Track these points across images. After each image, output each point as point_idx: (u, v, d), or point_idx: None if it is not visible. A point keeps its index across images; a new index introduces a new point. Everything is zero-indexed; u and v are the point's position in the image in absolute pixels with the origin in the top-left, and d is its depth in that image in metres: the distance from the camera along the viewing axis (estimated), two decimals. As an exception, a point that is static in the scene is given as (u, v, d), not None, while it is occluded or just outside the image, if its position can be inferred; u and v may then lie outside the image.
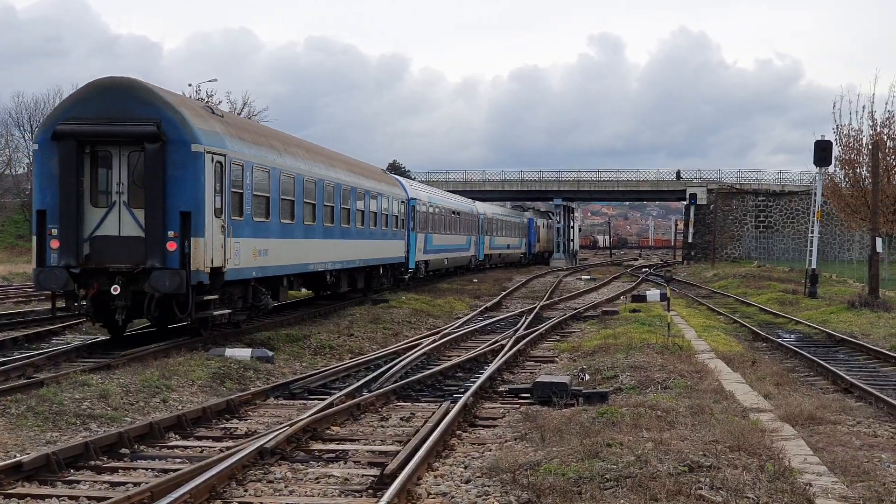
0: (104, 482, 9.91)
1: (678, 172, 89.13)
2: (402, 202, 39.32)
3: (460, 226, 53.14)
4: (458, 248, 53.01)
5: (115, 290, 18.12)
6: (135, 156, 18.65)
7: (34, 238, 18.77)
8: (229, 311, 20.90)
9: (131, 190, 18.66)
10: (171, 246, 18.27)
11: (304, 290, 31.01)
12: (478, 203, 63.08)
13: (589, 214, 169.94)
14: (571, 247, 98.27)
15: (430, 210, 45.23)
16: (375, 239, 34.06)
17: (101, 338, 20.56)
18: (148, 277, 18.07)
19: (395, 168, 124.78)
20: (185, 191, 18.42)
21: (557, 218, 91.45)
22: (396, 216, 37.68)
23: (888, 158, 48.12)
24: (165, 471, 10.19)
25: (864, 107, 49.71)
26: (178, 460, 10.89)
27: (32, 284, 23.14)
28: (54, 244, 18.45)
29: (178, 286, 18.08)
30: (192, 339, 20.05)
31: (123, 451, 11.14)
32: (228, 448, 10.99)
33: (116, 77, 19.29)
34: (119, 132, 18.45)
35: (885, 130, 48.93)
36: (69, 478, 10.01)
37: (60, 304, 19.97)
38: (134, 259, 18.32)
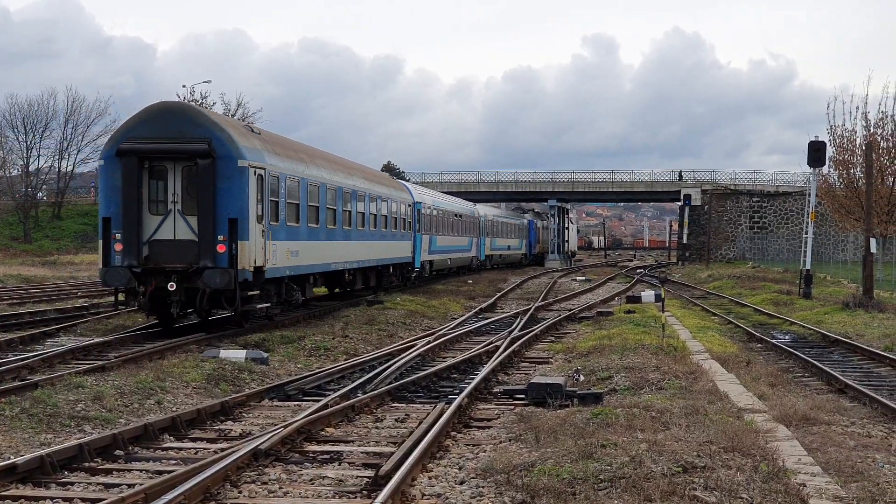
0: (98, 484, 9.90)
1: (680, 173, 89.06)
2: (409, 206, 42.09)
3: (462, 228, 56.23)
4: (460, 248, 55.90)
5: (172, 286, 20.80)
6: (188, 170, 21.29)
7: (100, 242, 21.48)
8: (268, 304, 23.50)
9: (185, 199, 21.33)
10: (221, 248, 20.99)
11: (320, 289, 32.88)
12: (479, 206, 65.70)
13: (584, 215, 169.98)
14: (566, 247, 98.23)
15: (434, 213, 47.69)
16: (386, 240, 37.11)
17: (96, 339, 20.70)
18: (200, 275, 20.72)
19: (389, 169, 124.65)
20: (232, 200, 21.14)
21: (553, 219, 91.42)
22: (404, 219, 40.53)
23: (882, 159, 48.25)
24: (160, 472, 10.18)
25: (857, 107, 49.94)
26: (173, 462, 10.89)
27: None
28: (118, 247, 21.08)
29: (227, 283, 20.78)
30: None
31: (118, 452, 11.13)
32: (223, 449, 10.99)
33: (171, 101, 22.70)
34: (175, 149, 21.15)
35: (879, 131, 49.10)
36: (63, 479, 10.00)
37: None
38: (188, 259, 21.01)
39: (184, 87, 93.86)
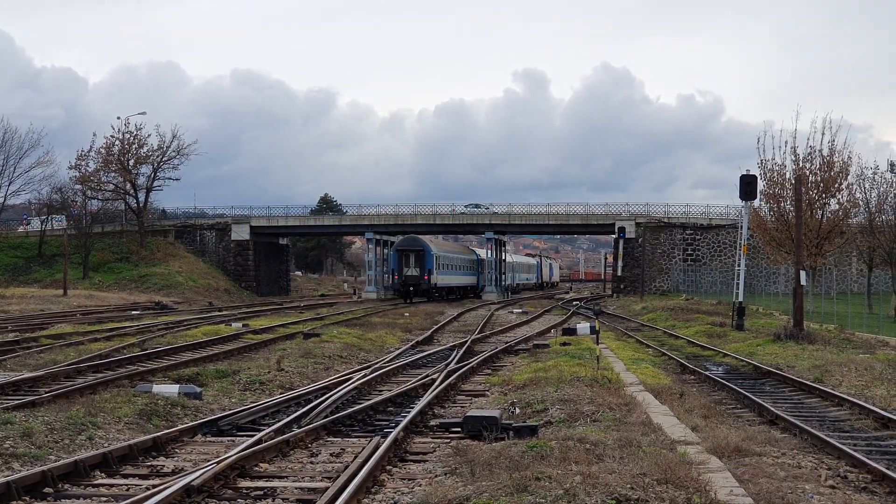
0: (26, 523, 9.71)
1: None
2: (475, 260, 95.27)
3: (502, 268, 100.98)
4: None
5: (411, 288, 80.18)
6: (416, 254, 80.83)
7: (392, 275, 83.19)
8: (438, 294, 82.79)
9: (415, 263, 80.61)
10: (426, 278, 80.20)
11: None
12: (510, 254, 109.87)
13: (521, 248, 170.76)
14: (503, 280, 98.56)
15: (487, 261, 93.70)
16: (467, 276, 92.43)
17: (27, 374, 20.36)
18: (419, 285, 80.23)
19: (327, 202, 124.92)
20: (429, 263, 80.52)
21: (488, 252, 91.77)
22: (474, 266, 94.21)
23: (811, 192, 49.12)
24: (90, 510, 10.01)
25: (786, 142, 50.84)
26: (104, 499, 10.73)
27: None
28: (395, 277, 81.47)
29: (428, 288, 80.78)
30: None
31: (47, 490, 10.95)
32: (155, 486, 10.85)
33: (412, 235, 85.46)
34: (413, 250, 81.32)
35: (808, 165, 50.02)
36: (-10, 519, 9.83)
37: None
38: (416, 282, 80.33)
39: (118, 118, 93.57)
